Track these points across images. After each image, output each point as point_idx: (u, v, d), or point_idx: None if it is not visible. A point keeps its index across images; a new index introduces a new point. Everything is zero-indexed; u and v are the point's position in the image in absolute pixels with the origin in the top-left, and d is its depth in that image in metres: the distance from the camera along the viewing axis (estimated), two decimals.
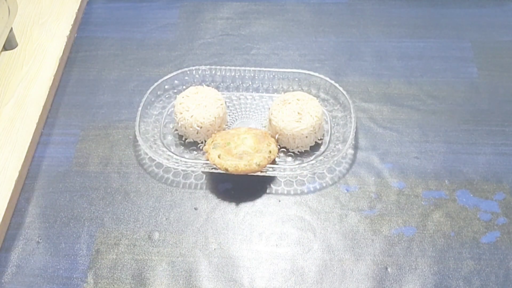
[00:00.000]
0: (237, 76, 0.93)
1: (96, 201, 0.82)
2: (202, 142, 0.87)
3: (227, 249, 0.77)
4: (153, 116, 0.90)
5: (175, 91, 0.93)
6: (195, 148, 0.87)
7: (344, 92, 0.89)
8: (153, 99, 0.91)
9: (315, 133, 0.84)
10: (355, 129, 0.85)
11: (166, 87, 0.93)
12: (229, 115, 0.91)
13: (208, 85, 0.92)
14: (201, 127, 0.85)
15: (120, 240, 0.78)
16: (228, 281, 0.74)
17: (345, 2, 1.10)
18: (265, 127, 0.89)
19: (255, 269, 0.75)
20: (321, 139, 0.87)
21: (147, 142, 0.85)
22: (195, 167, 0.83)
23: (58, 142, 0.90)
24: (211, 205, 0.81)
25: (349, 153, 0.86)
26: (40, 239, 0.79)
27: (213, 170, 0.82)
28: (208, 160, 0.81)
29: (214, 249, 0.77)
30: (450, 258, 0.75)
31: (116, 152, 0.88)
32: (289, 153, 0.85)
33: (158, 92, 0.92)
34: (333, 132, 0.88)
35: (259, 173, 0.81)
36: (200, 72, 0.94)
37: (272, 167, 0.82)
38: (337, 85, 0.90)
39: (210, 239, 0.78)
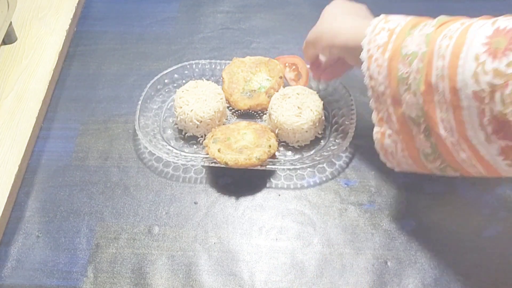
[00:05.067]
0: None
1: (95, 195, 0.82)
2: (202, 136, 0.87)
3: (227, 243, 0.77)
4: (153, 110, 0.90)
5: (175, 85, 0.93)
6: (195, 142, 0.87)
7: (345, 86, 0.89)
8: (152, 93, 0.91)
9: (315, 127, 0.84)
10: (355, 123, 0.85)
11: (165, 81, 0.93)
12: (229, 109, 0.90)
13: (208, 79, 0.92)
14: (201, 121, 0.85)
15: (120, 234, 0.78)
16: (228, 275, 0.74)
17: None
18: (265, 121, 0.88)
19: (255, 263, 0.75)
20: (321, 133, 0.87)
21: (147, 136, 0.85)
22: (195, 161, 0.83)
23: (58, 136, 0.90)
24: (211, 199, 0.81)
25: (349, 147, 0.86)
26: (40, 233, 0.79)
27: (213, 164, 0.82)
28: (208, 154, 0.81)
29: (214, 243, 0.77)
30: (451, 252, 0.75)
31: (115, 146, 0.88)
32: (289, 147, 0.85)
33: (158, 86, 0.92)
34: (333, 126, 0.87)
35: (259, 167, 0.81)
36: (200, 66, 0.94)
37: (272, 161, 0.82)
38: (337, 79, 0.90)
39: (210, 233, 0.78)
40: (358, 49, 0.69)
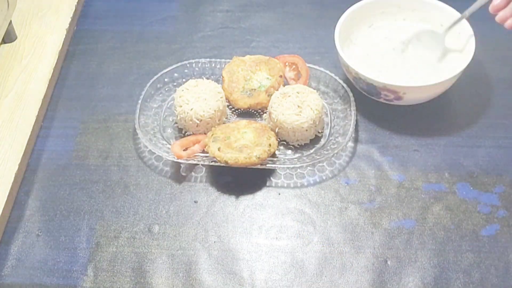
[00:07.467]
0: None
1: (96, 194, 0.82)
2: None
3: (227, 242, 0.77)
4: (153, 109, 0.90)
5: (175, 84, 0.93)
6: None
7: (344, 85, 0.89)
8: (152, 92, 0.91)
9: (315, 126, 0.84)
10: (355, 122, 0.85)
11: (165, 80, 0.93)
12: (229, 108, 0.90)
13: (208, 78, 0.92)
14: (200, 120, 0.85)
15: (120, 233, 0.78)
16: (228, 274, 0.74)
17: None
18: (265, 120, 0.88)
19: (255, 262, 0.75)
20: (321, 132, 0.87)
21: (147, 135, 0.85)
22: (194, 160, 0.83)
23: (58, 135, 0.90)
24: (211, 198, 0.81)
25: (349, 146, 0.86)
26: (40, 232, 0.79)
27: (213, 163, 0.82)
28: (208, 153, 0.81)
29: (214, 242, 0.77)
30: (450, 251, 0.75)
31: (115, 145, 0.88)
32: (289, 146, 0.85)
33: (158, 85, 0.92)
34: (333, 125, 0.87)
35: (259, 166, 0.81)
36: (200, 65, 0.94)
37: (272, 160, 0.82)
38: (337, 78, 0.90)
39: (210, 232, 0.78)
40: None
